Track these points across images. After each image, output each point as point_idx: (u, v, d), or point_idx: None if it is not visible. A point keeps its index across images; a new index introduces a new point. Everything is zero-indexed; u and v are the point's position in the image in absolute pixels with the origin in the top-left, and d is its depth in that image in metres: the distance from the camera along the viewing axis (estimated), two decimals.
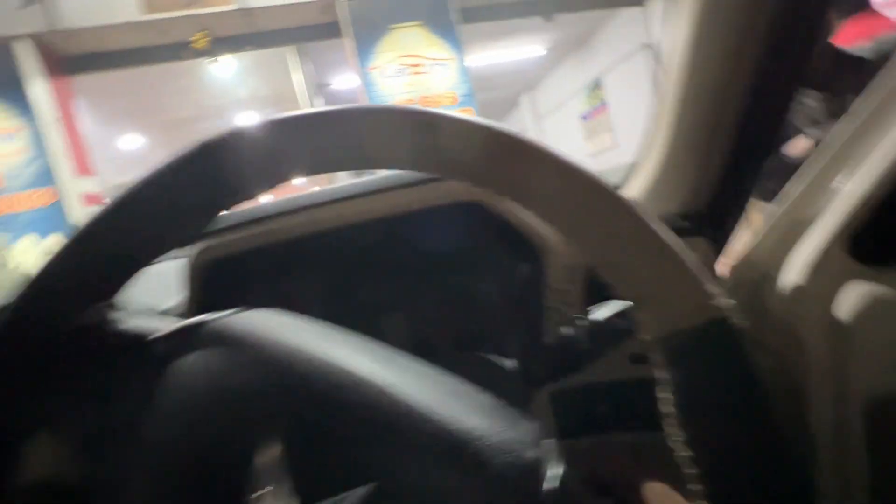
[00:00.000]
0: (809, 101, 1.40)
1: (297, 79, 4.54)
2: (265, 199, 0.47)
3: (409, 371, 0.20)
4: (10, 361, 0.19)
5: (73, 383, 0.20)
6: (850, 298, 0.44)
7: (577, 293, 0.44)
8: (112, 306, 0.23)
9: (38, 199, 3.52)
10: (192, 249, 0.46)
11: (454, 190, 0.44)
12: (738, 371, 0.18)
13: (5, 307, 0.20)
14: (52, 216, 3.52)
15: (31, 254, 3.50)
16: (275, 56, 4.43)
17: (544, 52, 6.10)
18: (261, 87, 5.23)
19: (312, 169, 0.21)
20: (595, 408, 0.45)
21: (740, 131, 0.43)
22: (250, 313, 0.22)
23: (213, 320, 0.21)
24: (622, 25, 5.37)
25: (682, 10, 0.40)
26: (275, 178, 0.21)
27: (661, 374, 0.20)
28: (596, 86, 6.15)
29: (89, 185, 3.84)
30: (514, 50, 5.76)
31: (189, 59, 3.99)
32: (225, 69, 4.59)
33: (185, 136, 6.02)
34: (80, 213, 3.63)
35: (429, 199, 0.44)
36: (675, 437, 0.19)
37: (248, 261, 0.46)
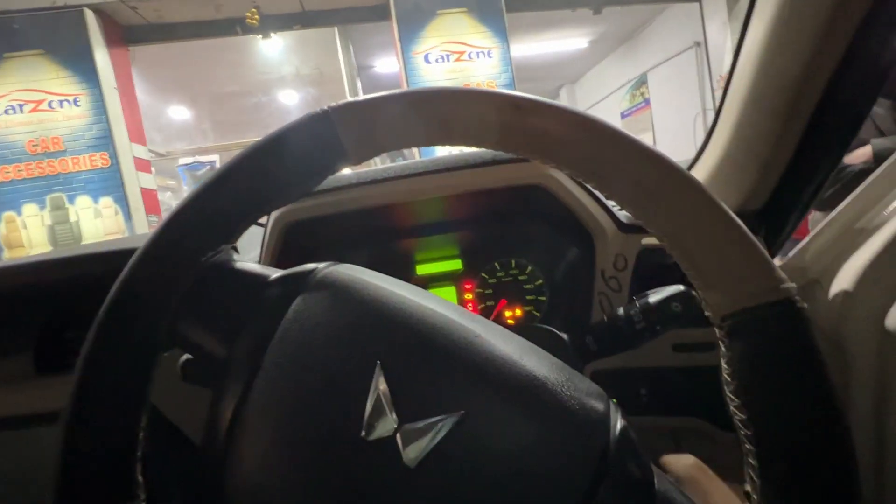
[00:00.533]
0: (877, 109, 1.31)
1: (342, 59, 4.58)
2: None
3: (489, 326, 0.23)
4: (155, 284, 0.21)
5: (203, 312, 0.23)
6: None
7: (626, 280, 0.46)
8: (235, 248, 0.25)
9: (96, 161, 3.71)
10: (273, 213, 0.49)
11: (520, 173, 0.46)
12: (804, 351, 0.19)
13: (156, 235, 0.22)
14: (107, 178, 3.72)
15: (89, 211, 3.71)
16: (321, 36, 4.47)
17: (586, 45, 5.93)
18: (305, 66, 5.29)
19: (412, 142, 0.23)
20: (635, 391, 0.47)
21: (808, 137, 0.43)
22: (351, 265, 0.25)
23: (321, 268, 0.24)
24: (673, 21, 5.16)
25: (760, 11, 0.40)
26: (379, 147, 0.23)
27: (725, 352, 0.21)
28: (640, 83, 5.96)
29: (141, 152, 4.03)
30: (558, 42, 5.62)
31: (240, 35, 4.09)
32: (272, 47, 4.67)
33: (230, 110, 6.18)
34: (132, 178, 3.82)
35: (496, 179, 0.47)
36: (737, 416, 0.20)
37: (322, 227, 0.49)
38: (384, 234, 0.54)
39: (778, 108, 0.41)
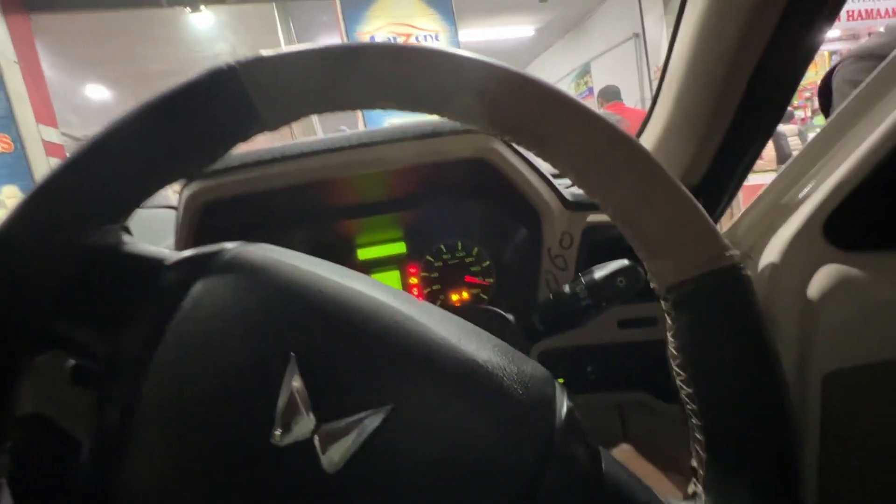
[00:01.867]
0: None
1: (282, 38, 4.34)
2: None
3: (424, 308, 0.20)
4: (15, 275, 0.18)
5: (84, 305, 0.19)
6: (821, 279, 0.47)
7: (572, 258, 0.46)
8: (126, 230, 0.22)
9: None
10: (186, 191, 0.44)
11: (461, 146, 0.44)
12: (748, 316, 0.19)
13: (15, 214, 0.18)
14: (11, 164, 3.29)
15: None
16: (258, 12, 4.20)
17: (533, 33, 6.02)
18: (241, 44, 4.96)
19: (337, 104, 0.20)
20: (582, 369, 0.47)
21: (742, 113, 0.44)
22: (264, 245, 0.22)
23: (229, 248, 0.21)
24: (614, 12, 5.34)
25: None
26: (298, 110, 0.20)
27: (671, 325, 0.20)
28: (584, 72, 6.15)
29: (52, 135, 3.61)
30: (505, 28, 5.66)
31: (165, 7, 3.74)
32: (203, 21, 4.32)
33: (156, 90, 5.67)
34: (42, 164, 3.41)
35: (436, 152, 0.44)
36: (683, 390, 0.20)
37: (248, 208, 0.45)
38: (320, 216, 0.50)
39: (714, 82, 0.42)
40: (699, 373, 0.19)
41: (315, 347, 0.18)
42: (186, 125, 0.20)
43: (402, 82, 0.20)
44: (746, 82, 0.42)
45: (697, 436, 0.19)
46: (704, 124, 0.46)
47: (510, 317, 0.35)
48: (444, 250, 0.55)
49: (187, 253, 0.21)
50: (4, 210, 3.32)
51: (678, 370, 0.20)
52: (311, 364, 0.17)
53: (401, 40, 3.93)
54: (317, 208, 0.50)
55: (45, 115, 3.59)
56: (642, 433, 0.47)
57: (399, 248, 0.56)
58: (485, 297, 0.55)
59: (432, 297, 0.56)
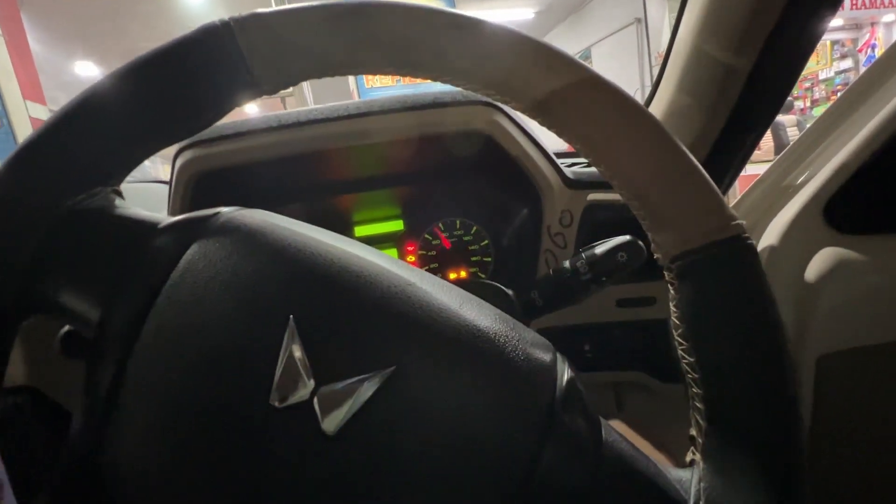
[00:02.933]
0: None
1: None
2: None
3: (424, 275, 0.20)
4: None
5: (73, 267, 0.19)
6: (820, 261, 0.47)
7: (572, 236, 0.46)
8: (118, 193, 0.21)
9: None
10: (179, 160, 0.43)
11: (464, 117, 0.43)
12: (753, 286, 0.19)
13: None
14: None
15: None
16: None
17: (532, 16, 5.92)
18: None
19: (339, 67, 0.19)
20: (580, 347, 0.47)
21: (746, 97, 0.44)
22: (261, 211, 0.21)
23: (225, 212, 0.20)
24: None
25: None
26: (297, 73, 0.19)
27: (674, 296, 0.20)
28: (584, 57, 6.08)
29: (39, 112, 3.52)
30: (505, 11, 5.56)
31: None
32: None
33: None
34: None
35: (438, 123, 0.43)
36: (685, 359, 0.20)
37: (241, 179, 0.44)
38: (316, 190, 0.49)
39: (719, 65, 0.42)
40: (702, 342, 0.19)
41: (314, 310, 0.17)
42: (177, 85, 0.19)
43: (410, 44, 0.19)
44: (751, 66, 0.42)
45: (697, 405, 0.19)
46: (708, 106, 0.45)
47: (510, 291, 0.34)
48: (443, 228, 0.54)
49: (181, 216, 0.20)
50: None
51: (680, 340, 0.20)
52: (310, 327, 0.17)
53: None
54: (312, 182, 0.49)
55: (33, 91, 3.50)
56: (637, 413, 0.47)
57: (396, 225, 0.55)
58: (482, 275, 0.55)
59: None
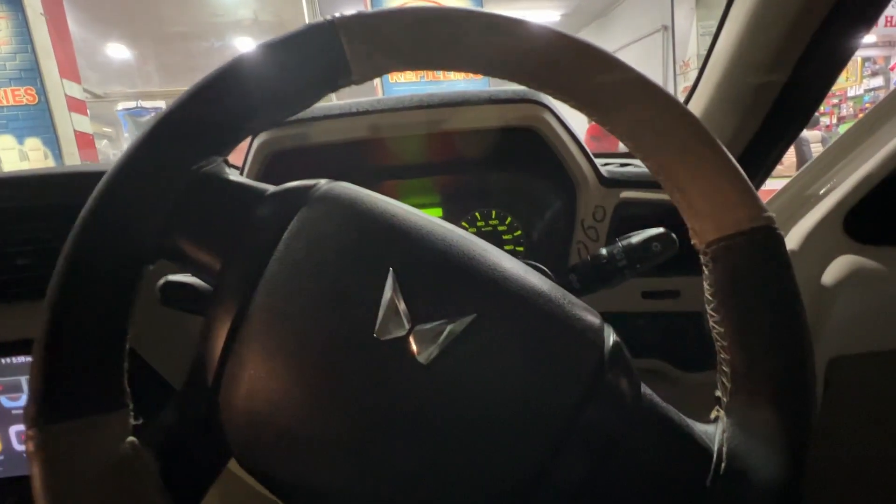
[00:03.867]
0: None
1: (305, 7, 4.29)
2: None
3: (491, 246, 0.23)
4: (140, 190, 0.20)
5: (196, 224, 0.21)
6: (837, 268, 0.50)
7: (603, 230, 0.49)
8: (228, 163, 0.24)
9: (20, 96, 3.30)
10: (256, 141, 0.46)
11: (515, 113, 0.46)
12: (780, 268, 0.21)
13: (141, 139, 0.21)
14: (34, 116, 3.32)
15: (13, 153, 3.32)
16: None
17: (558, 19, 5.89)
18: (264, 12, 4.91)
19: (422, 63, 0.23)
20: None
21: (778, 105, 0.46)
22: (350, 184, 0.24)
23: (323, 183, 0.23)
24: (643, 3, 5.21)
25: None
26: (385, 66, 0.22)
27: (708, 275, 0.22)
28: None
29: (75, 90, 3.63)
30: (531, 13, 5.54)
31: None
32: None
33: (178, 52, 5.66)
34: (64, 118, 3.44)
35: (491, 118, 0.46)
36: (715, 329, 0.22)
37: (304, 159, 0.47)
38: (367, 173, 0.53)
39: (757, 73, 0.44)
40: (732, 313, 0.22)
41: (411, 264, 0.20)
42: (286, 74, 0.22)
43: (483, 48, 0.22)
44: (786, 78, 0.44)
45: (724, 368, 0.22)
46: (741, 115, 0.48)
47: (549, 273, 0.38)
48: (479, 217, 0.57)
49: (284, 186, 0.23)
50: (27, 163, 3.37)
51: (712, 312, 0.23)
52: (407, 278, 0.20)
53: None
54: (366, 166, 0.52)
55: (69, 69, 3.60)
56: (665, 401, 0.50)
57: (436, 212, 0.58)
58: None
59: None
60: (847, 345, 0.50)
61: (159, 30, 5.14)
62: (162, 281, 0.33)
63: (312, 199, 0.22)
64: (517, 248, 0.57)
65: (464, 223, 0.58)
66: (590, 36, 6.36)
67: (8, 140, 3.33)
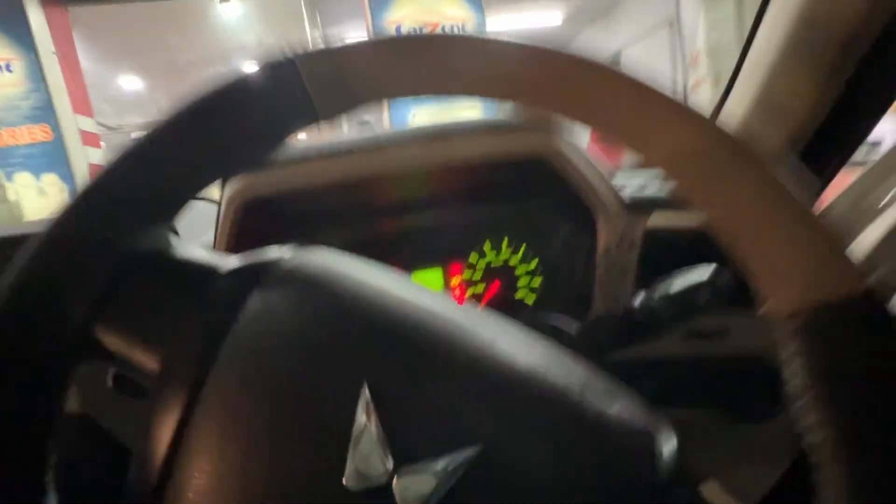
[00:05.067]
0: None
1: (308, 28, 4.35)
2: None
3: (502, 329, 0.19)
4: (58, 281, 0.17)
5: (129, 313, 0.18)
6: None
7: (632, 263, 0.43)
8: (173, 231, 0.21)
9: (35, 134, 3.40)
10: (228, 187, 0.43)
11: (521, 143, 0.41)
12: (889, 348, 0.16)
13: (62, 216, 0.17)
14: (50, 152, 3.42)
15: (31, 189, 3.42)
16: (286, 2, 4.22)
17: (561, 22, 5.87)
18: (268, 35, 5.00)
19: (398, 92, 0.19)
20: (644, 383, 0.44)
21: (864, 73, 0.38)
22: (321, 252, 0.20)
23: (287, 259, 0.19)
24: None
25: None
26: (353, 102, 0.19)
27: (789, 350, 0.17)
28: (614, 62, 5.96)
29: (88, 124, 3.72)
30: (533, 16, 5.53)
31: None
32: (231, 11, 4.37)
33: (187, 80, 5.80)
34: (79, 152, 3.53)
35: (493, 148, 0.41)
36: (808, 419, 0.17)
37: (289, 205, 0.43)
38: (363, 214, 0.48)
39: (835, 37, 0.35)
40: (834, 400, 0.17)
41: (392, 375, 0.16)
42: (241, 119, 0.18)
43: (474, 71, 0.19)
44: (879, 32, 0.35)
45: (828, 458, 0.17)
46: (817, 86, 0.39)
47: (571, 331, 0.32)
48: (491, 246, 0.52)
49: (241, 262, 0.19)
50: (45, 198, 3.46)
51: (797, 391, 0.18)
52: (388, 394, 0.15)
53: (427, 29, 3.89)
54: (361, 206, 0.48)
55: (82, 105, 3.71)
56: (713, 453, 0.43)
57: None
58: (532, 296, 0.52)
59: (476, 298, 0.54)
60: None
61: (167, 58, 5.28)
62: (114, 370, 0.29)
63: (272, 279, 0.18)
64: (534, 279, 0.52)
65: (472, 256, 0.53)
66: (594, 36, 6.37)
67: (26, 178, 3.43)
